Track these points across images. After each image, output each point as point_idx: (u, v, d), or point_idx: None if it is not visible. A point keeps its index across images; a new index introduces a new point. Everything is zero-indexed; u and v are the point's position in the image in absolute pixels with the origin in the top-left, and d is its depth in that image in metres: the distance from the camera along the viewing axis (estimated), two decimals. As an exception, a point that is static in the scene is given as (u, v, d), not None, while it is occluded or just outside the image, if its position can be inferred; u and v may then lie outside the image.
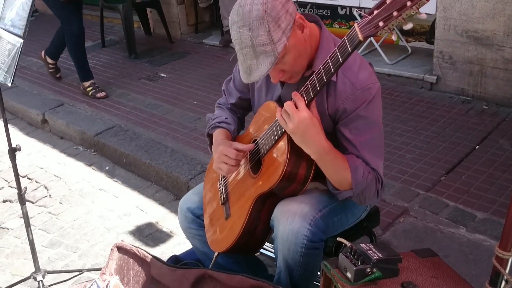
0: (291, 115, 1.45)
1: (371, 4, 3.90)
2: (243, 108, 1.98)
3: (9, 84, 1.73)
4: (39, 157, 3.70)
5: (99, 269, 2.44)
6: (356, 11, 4.40)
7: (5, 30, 1.69)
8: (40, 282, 2.20)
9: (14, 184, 3.32)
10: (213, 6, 5.41)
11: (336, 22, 4.86)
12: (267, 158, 1.64)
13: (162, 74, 4.68)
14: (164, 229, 2.84)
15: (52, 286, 2.37)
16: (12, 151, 2.09)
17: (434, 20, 3.66)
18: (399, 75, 3.94)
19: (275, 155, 1.60)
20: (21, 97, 4.48)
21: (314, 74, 1.44)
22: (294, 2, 4.44)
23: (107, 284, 2.22)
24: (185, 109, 3.94)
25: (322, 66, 1.41)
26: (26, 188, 2.29)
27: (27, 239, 2.63)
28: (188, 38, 5.55)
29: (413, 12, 1.18)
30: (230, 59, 1.97)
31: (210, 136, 1.94)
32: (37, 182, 3.38)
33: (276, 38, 1.44)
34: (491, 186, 2.66)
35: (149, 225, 2.88)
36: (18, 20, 1.61)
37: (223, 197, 1.83)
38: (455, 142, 3.12)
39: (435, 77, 3.70)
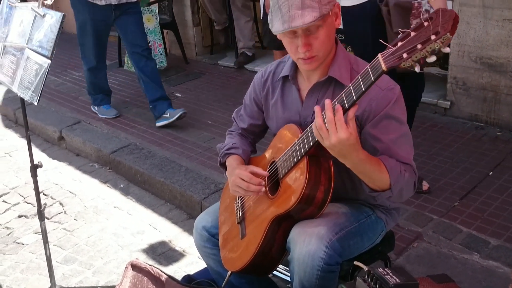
0: (330, 133, 1.44)
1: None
2: (253, 134, 2.02)
3: (36, 103, 1.78)
4: (55, 173, 3.76)
5: (113, 286, 2.46)
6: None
7: (33, 50, 1.75)
8: (55, 298, 2.22)
9: (29, 199, 3.40)
10: (229, 28, 5.50)
11: (349, 47, 4.90)
12: (285, 180, 1.66)
13: (177, 94, 4.75)
14: (177, 248, 2.86)
15: (68, 302, 2.40)
16: (34, 168, 2.14)
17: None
18: (412, 100, 3.96)
19: (293, 178, 1.63)
20: (39, 114, 4.56)
21: (342, 93, 1.45)
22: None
23: (121, 302, 2.24)
24: (200, 129, 3.99)
25: (344, 93, 1.44)
26: (45, 204, 2.33)
27: (44, 254, 2.67)
28: (203, 59, 5.64)
29: (437, 46, 1.21)
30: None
31: (223, 165, 1.98)
32: (52, 198, 3.43)
33: (324, 2, 1.53)
34: (504, 213, 2.66)
35: (162, 244, 2.90)
36: (46, 41, 1.67)
37: (239, 217, 1.86)
38: (468, 168, 3.12)
39: (449, 103, 3.73)
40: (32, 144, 4.19)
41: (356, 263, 1.45)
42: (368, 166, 1.53)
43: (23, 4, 1.86)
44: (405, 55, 1.28)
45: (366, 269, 1.39)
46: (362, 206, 1.82)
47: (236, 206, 1.90)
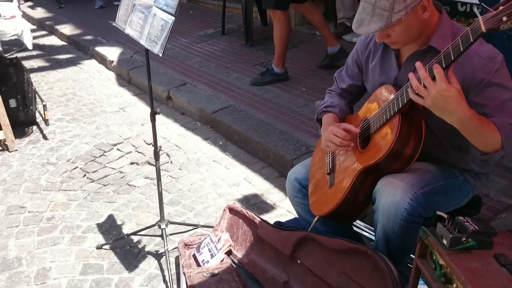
0: (429, 87, 1.50)
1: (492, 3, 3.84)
2: (352, 94, 2.15)
3: (161, 54, 2.05)
4: (163, 128, 4.14)
5: (212, 226, 2.76)
6: (477, 7, 4.32)
7: (159, 8, 2.01)
8: (164, 230, 2.54)
9: (140, 149, 3.80)
10: (329, -1, 5.56)
11: (455, 19, 4.80)
12: (376, 135, 1.80)
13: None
14: (268, 201, 3.09)
15: (172, 235, 2.72)
16: (153, 114, 2.43)
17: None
18: None
19: (384, 133, 1.76)
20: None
21: (440, 53, 1.52)
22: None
23: (219, 239, 2.52)
24: (295, 95, 4.17)
25: (442, 53, 1.52)
26: (161, 146, 2.64)
27: (152, 196, 3.03)
28: (301, 29, 5.77)
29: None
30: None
31: (319, 121, 2.14)
32: (161, 150, 3.79)
33: (396, 9, 1.59)
34: None
35: (255, 196, 3.15)
36: (171, 0, 1.92)
37: (329, 168, 2.03)
38: None
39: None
40: (143, 101, 4.70)
41: (438, 212, 1.57)
42: (476, 123, 1.56)
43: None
44: (504, 18, 1.35)
45: (447, 216, 1.51)
46: (451, 167, 1.91)
47: (327, 159, 2.07)
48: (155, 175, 2.64)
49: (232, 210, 2.63)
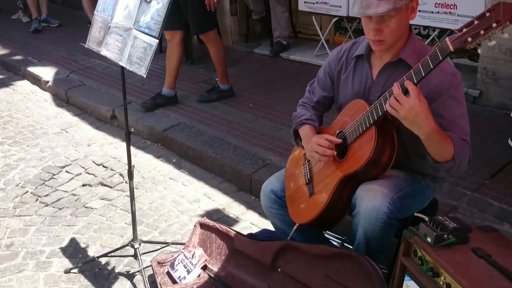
0: (402, 103, 1.72)
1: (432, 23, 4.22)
2: (324, 106, 2.30)
3: (144, 76, 2.08)
4: (111, 148, 4.08)
5: (182, 243, 2.78)
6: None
7: (140, 31, 2.05)
8: (137, 249, 2.54)
9: (91, 170, 3.73)
10: (265, 18, 5.76)
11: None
12: (354, 145, 1.96)
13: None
14: (230, 215, 3.17)
15: (142, 255, 2.72)
16: (128, 134, 2.44)
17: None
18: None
19: (362, 143, 1.92)
20: (90, 94, 4.89)
21: (411, 70, 1.74)
22: (345, 17, 4.79)
23: (193, 254, 2.56)
24: (243, 111, 4.29)
25: (413, 71, 1.72)
26: (134, 166, 2.63)
27: (113, 217, 3.00)
28: (239, 47, 5.92)
29: (497, 32, 1.50)
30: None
31: (295, 132, 2.27)
32: (112, 170, 3.75)
33: None
34: (533, 190, 2.94)
35: (217, 211, 3.21)
36: (153, 24, 1.97)
37: (307, 178, 2.16)
38: (497, 151, 3.39)
39: (478, 92, 3.99)
40: (85, 121, 4.61)
41: (416, 214, 1.75)
42: (437, 136, 1.79)
43: (127, -9, 2.16)
44: (469, 39, 1.57)
45: (427, 218, 1.68)
46: (414, 173, 2.11)
47: (304, 170, 2.20)
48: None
49: (203, 225, 2.68)
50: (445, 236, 1.62)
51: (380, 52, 1.98)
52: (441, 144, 1.83)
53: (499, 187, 2.99)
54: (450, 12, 4.00)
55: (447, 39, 1.63)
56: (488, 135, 3.60)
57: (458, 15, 3.97)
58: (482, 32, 1.54)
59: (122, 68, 2.24)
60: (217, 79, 4.59)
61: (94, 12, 2.34)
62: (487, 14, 1.55)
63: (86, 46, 2.38)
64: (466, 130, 1.95)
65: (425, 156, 1.99)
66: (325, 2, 4.88)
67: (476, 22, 1.57)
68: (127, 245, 2.62)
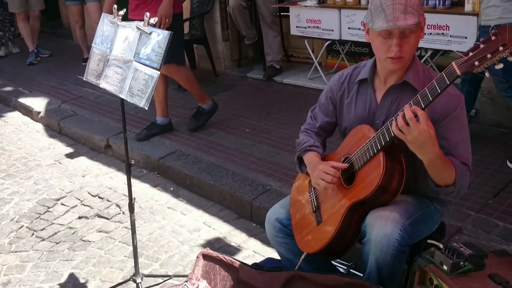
0: (412, 127, 1.69)
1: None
2: (327, 132, 2.28)
3: (146, 108, 2.04)
4: (107, 178, 4.02)
5: (184, 275, 2.71)
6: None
7: (141, 63, 2.02)
8: (140, 284, 2.47)
9: (87, 202, 3.66)
10: (257, 43, 5.79)
11: (374, 59, 5.20)
12: (362, 171, 1.92)
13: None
14: (232, 243, 3.11)
15: (148, 288, 2.65)
16: (129, 166, 2.39)
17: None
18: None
19: (370, 169, 1.89)
20: (83, 124, 4.84)
21: (417, 95, 1.73)
22: (337, 40, 4.82)
23: (197, 287, 2.48)
24: (239, 136, 4.26)
25: (419, 95, 1.71)
26: (135, 198, 2.58)
27: (112, 250, 2.93)
28: (231, 72, 5.93)
29: (505, 55, 1.49)
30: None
31: (299, 159, 2.24)
32: (108, 200, 3.68)
33: (420, 13, 1.81)
34: (536, 209, 2.92)
35: (218, 240, 3.15)
36: (154, 55, 1.94)
37: (315, 206, 2.12)
38: (497, 169, 3.38)
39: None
40: (78, 151, 4.54)
41: (429, 241, 1.71)
42: (440, 162, 1.79)
43: (126, 23, 2.13)
44: (476, 63, 1.56)
45: (442, 244, 1.65)
46: (422, 197, 2.08)
47: (311, 198, 2.16)
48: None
49: (206, 257, 2.61)
50: (462, 263, 1.59)
51: (386, 75, 1.97)
52: (443, 169, 1.84)
53: (502, 207, 2.98)
54: (442, 33, 4.04)
55: (453, 63, 1.62)
56: (487, 154, 3.59)
57: (450, 36, 4.01)
58: (489, 56, 1.54)
59: (122, 100, 2.20)
60: (199, 104, 4.49)
61: (92, 44, 2.31)
62: (493, 38, 1.54)
63: (84, 79, 2.35)
64: (468, 154, 1.95)
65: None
66: (317, 26, 4.91)
67: (482, 46, 1.56)
68: (129, 279, 2.55)
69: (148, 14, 2.05)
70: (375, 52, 1.95)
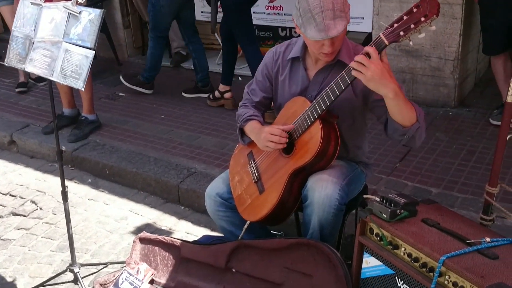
0: (367, 65, 1.76)
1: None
2: (265, 106, 2.37)
3: (82, 88, 1.98)
4: (16, 175, 3.78)
5: (121, 262, 2.68)
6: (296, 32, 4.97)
7: (72, 44, 1.95)
8: (78, 273, 2.40)
9: None
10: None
11: (277, 43, 5.40)
12: (300, 140, 2.05)
13: (120, 93, 4.90)
14: (163, 228, 3.11)
15: (84, 278, 2.56)
16: (60, 153, 2.29)
17: (369, 35, 4.34)
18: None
19: (308, 137, 2.02)
20: (-20, 121, 4.47)
21: (349, 65, 1.87)
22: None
23: (137, 270, 2.47)
24: (155, 123, 4.21)
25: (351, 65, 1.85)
26: (67, 186, 2.48)
27: (35, 246, 2.81)
28: (135, 60, 5.80)
29: (426, 25, 1.69)
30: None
31: (241, 130, 2.31)
32: (21, 197, 3.48)
33: (346, 11, 1.88)
34: (437, 168, 3.28)
35: (148, 225, 3.13)
36: (87, 35, 1.88)
37: (256, 176, 2.21)
38: (399, 137, 3.72)
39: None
40: (-22, 150, 4.19)
41: (365, 196, 1.89)
42: (402, 96, 1.86)
43: (51, 3, 2.03)
44: (401, 33, 1.74)
45: (379, 197, 1.83)
46: (350, 161, 2.27)
47: (251, 169, 2.25)
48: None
49: (143, 240, 2.61)
50: (398, 211, 1.77)
51: (317, 57, 2.09)
52: (406, 105, 1.88)
53: (409, 168, 3.30)
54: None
55: (381, 34, 1.79)
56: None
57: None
58: (412, 26, 1.72)
59: (50, 83, 2.11)
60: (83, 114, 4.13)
61: (12, 28, 2.17)
62: (415, 10, 1.73)
63: (6, 64, 2.20)
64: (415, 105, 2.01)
65: (359, 146, 2.22)
66: (220, 11, 4.97)
67: (405, 17, 1.75)
68: (65, 270, 2.47)
69: None
70: (308, 46, 2.05)
